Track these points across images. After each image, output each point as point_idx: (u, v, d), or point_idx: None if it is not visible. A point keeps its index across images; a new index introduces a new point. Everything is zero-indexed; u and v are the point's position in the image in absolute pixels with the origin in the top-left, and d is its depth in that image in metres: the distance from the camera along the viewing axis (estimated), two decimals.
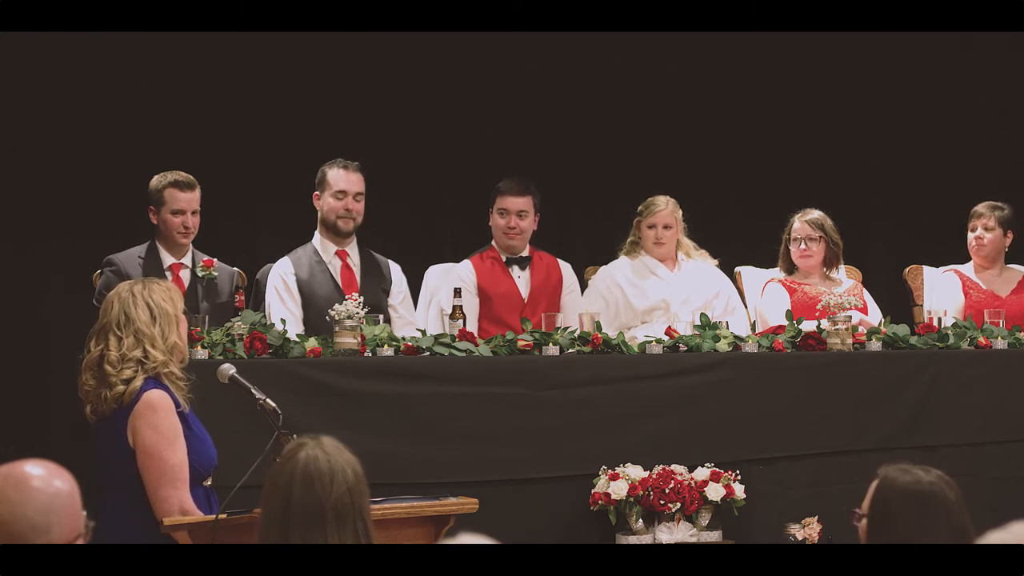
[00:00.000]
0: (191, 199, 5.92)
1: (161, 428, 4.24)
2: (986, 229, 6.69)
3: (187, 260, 5.98)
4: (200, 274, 5.95)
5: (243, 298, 5.84)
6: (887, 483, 3.17)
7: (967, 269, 6.74)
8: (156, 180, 5.96)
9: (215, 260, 6.03)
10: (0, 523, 2.47)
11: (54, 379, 6.94)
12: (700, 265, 6.50)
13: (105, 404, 4.26)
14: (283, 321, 5.60)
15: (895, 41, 7.85)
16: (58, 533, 2.45)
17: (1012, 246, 6.79)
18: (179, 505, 4.19)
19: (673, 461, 5.54)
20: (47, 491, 2.47)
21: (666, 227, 6.43)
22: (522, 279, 6.41)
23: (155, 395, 4.26)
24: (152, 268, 5.85)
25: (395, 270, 6.23)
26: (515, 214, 6.37)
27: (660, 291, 6.35)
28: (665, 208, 6.43)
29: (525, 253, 6.45)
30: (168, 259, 5.95)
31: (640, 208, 6.49)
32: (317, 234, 6.16)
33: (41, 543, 2.45)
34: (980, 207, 6.71)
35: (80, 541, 2.50)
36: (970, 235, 6.71)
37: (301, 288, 6.01)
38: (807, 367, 5.82)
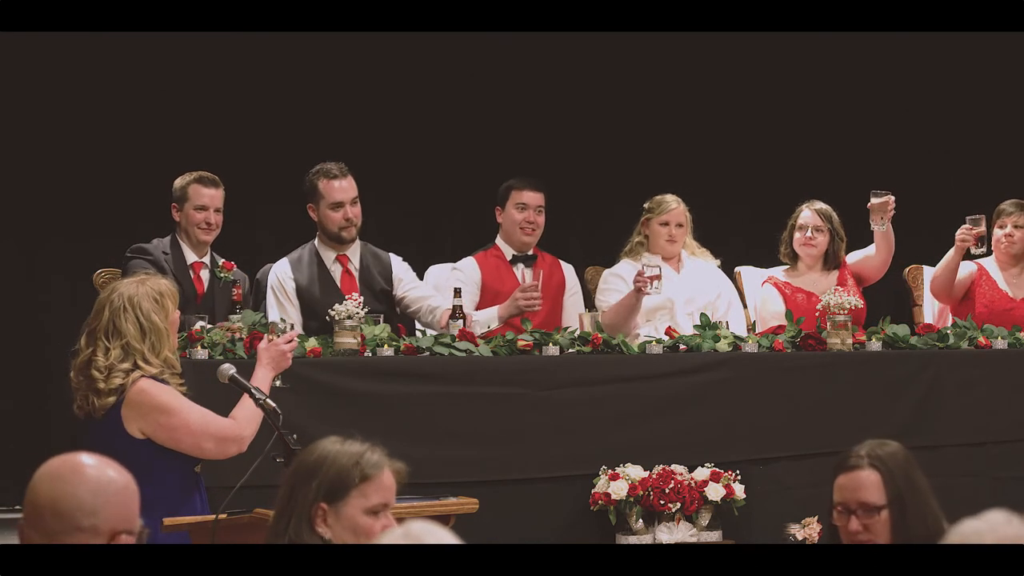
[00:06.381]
0: (215, 196, 5.92)
1: (162, 401, 4.28)
2: (1016, 227, 6.61)
3: (207, 260, 5.98)
4: (219, 276, 5.94)
5: (240, 290, 5.80)
6: (891, 461, 3.18)
7: (989, 264, 6.68)
8: (181, 178, 5.96)
9: (234, 264, 6.02)
10: (53, 502, 2.51)
11: (54, 379, 6.94)
12: (703, 265, 6.49)
13: (94, 410, 4.28)
14: (283, 320, 5.59)
15: (895, 41, 7.86)
16: (105, 517, 2.49)
17: None
18: (231, 429, 4.33)
19: (673, 461, 5.54)
20: (100, 477, 2.53)
21: (679, 225, 6.39)
22: (526, 278, 6.38)
23: (141, 382, 4.28)
24: (177, 264, 5.85)
25: (396, 263, 6.13)
26: (534, 209, 6.35)
27: (665, 289, 6.31)
28: (678, 207, 6.39)
29: (529, 252, 6.44)
30: (191, 256, 5.93)
31: (649, 206, 6.41)
32: (318, 239, 6.10)
33: (87, 524, 2.48)
34: (1007, 205, 6.60)
35: (124, 540, 2.51)
36: (998, 232, 6.60)
37: (301, 293, 5.96)
38: (807, 367, 5.82)
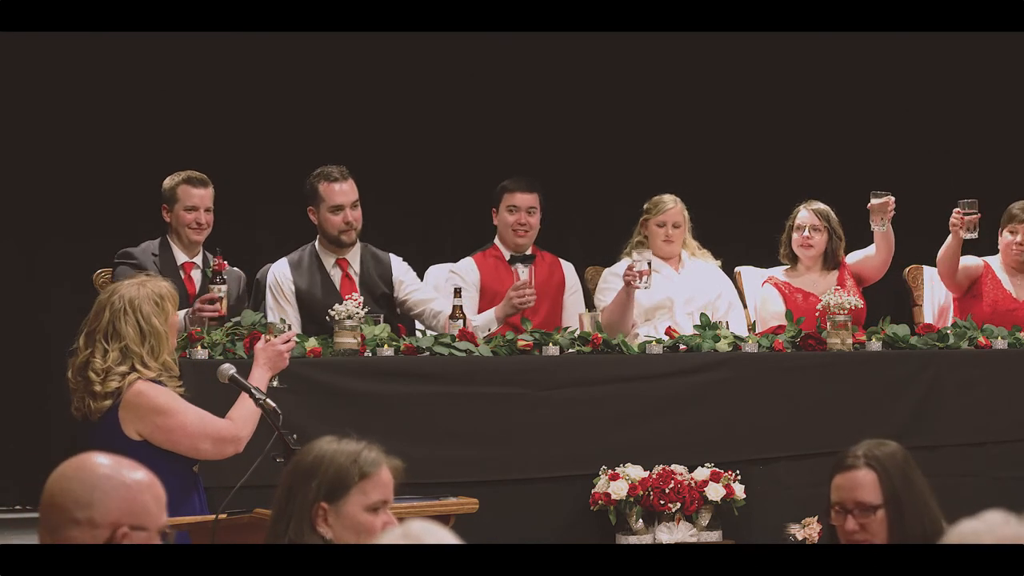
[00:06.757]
0: (204, 195, 5.91)
1: (159, 403, 4.29)
2: None
3: (198, 260, 5.97)
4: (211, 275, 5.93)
5: (221, 259, 5.75)
6: (887, 461, 3.18)
7: (995, 263, 6.65)
8: (169, 178, 5.95)
9: (225, 262, 6.01)
10: (52, 496, 2.53)
11: (54, 379, 6.95)
12: (703, 265, 6.49)
13: (90, 412, 4.28)
14: (282, 321, 5.59)
15: (895, 41, 7.86)
16: (103, 511, 2.49)
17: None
18: (228, 429, 4.35)
19: (673, 461, 5.54)
20: (102, 472, 2.53)
21: (675, 225, 6.39)
22: (522, 278, 6.37)
23: (138, 384, 4.28)
24: (166, 265, 5.83)
25: (396, 264, 6.11)
26: (525, 210, 6.34)
27: (665, 289, 6.31)
28: (675, 207, 6.39)
29: (528, 252, 6.44)
30: (181, 257, 5.92)
31: (647, 206, 6.41)
32: (318, 242, 6.08)
33: (82, 517, 2.49)
34: (1018, 211, 6.51)
35: (132, 536, 2.51)
36: (1009, 237, 6.52)
37: (301, 297, 5.95)
38: (807, 367, 5.82)
